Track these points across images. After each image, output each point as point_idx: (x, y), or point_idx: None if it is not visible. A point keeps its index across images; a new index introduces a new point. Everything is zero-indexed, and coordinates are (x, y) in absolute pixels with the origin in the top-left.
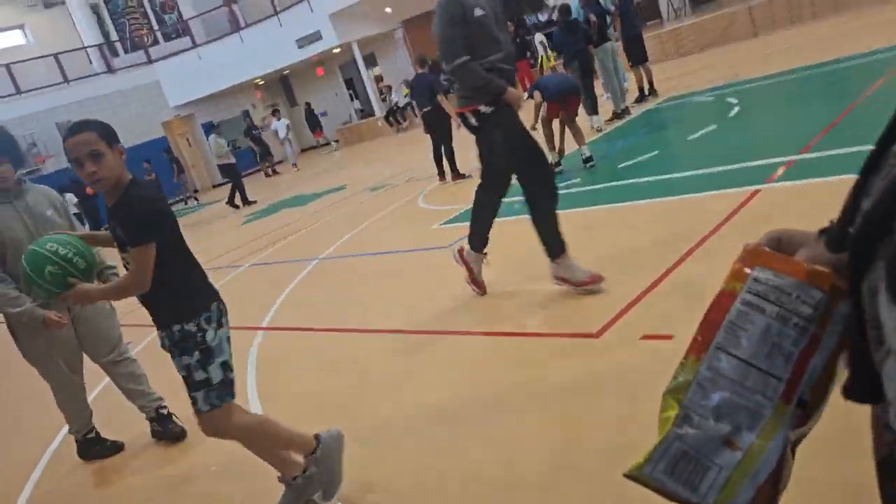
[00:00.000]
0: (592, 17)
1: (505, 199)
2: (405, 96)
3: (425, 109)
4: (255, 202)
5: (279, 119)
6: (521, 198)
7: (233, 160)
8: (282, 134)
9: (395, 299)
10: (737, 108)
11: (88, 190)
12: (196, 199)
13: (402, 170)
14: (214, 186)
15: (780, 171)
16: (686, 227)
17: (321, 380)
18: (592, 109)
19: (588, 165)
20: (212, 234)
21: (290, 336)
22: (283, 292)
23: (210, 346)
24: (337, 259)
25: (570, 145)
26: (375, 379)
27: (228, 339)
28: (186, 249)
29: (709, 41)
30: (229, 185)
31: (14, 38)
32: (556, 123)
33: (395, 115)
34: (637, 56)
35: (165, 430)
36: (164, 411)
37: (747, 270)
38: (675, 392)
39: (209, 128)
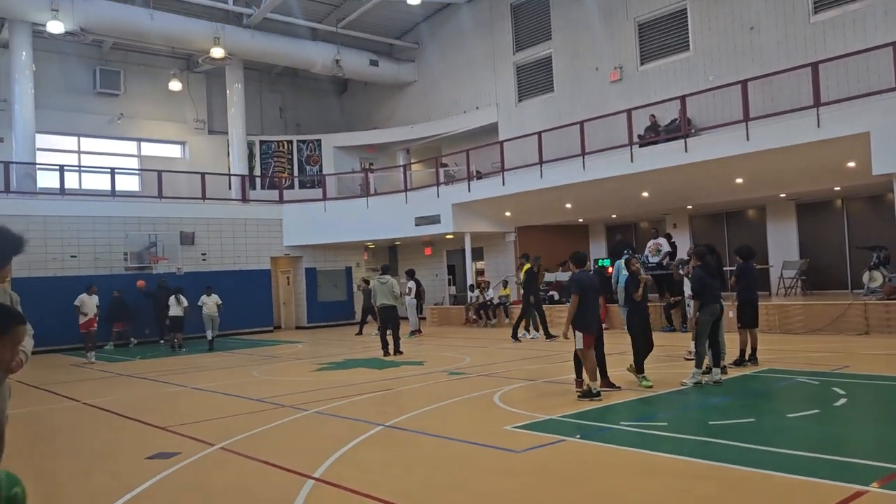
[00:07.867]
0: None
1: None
2: (501, 296)
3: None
4: (402, 353)
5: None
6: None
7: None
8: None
9: (454, 490)
10: (844, 400)
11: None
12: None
13: (484, 363)
14: (298, 328)
15: (889, 478)
16: None
17: None
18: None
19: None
20: (283, 373)
21: (342, 497)
22: (342, 448)
23: None
24: (402, 431)
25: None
26: None
27: None
28: None
29: (817, 326)
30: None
31: (173, 151)
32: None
33: (486, 311)
34: (748, 320)
35: None
36: None
37: None
38: None
39: (312, 273)
